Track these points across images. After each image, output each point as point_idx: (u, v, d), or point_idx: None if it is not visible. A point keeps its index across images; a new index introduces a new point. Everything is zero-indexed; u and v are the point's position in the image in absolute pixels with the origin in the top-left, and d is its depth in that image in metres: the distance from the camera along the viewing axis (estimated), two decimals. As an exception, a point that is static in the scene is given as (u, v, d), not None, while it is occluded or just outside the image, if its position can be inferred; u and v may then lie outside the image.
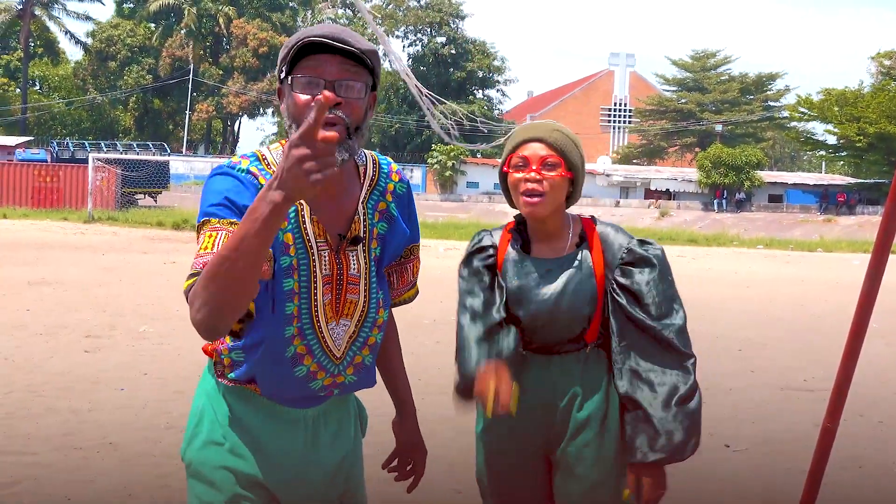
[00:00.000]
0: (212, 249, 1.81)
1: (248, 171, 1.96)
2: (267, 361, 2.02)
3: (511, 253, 2.53)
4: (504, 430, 2.52)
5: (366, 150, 2.15)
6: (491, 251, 2.55)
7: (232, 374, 2.06)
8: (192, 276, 1.81)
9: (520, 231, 2.56)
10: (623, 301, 2.41)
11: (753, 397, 7.09)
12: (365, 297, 2.09)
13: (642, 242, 2.48)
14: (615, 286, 2.43)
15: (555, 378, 2.47)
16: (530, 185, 2.40)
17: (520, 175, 2.43)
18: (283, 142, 1.95)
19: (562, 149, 2.42)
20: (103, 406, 6.06)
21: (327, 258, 2.03)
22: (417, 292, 2.33)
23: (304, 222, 2.00)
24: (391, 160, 2.22)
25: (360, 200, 2.09)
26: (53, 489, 4.45)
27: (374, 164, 2.16)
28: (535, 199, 2.40)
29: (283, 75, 1.96)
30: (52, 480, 4.57)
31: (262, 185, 1.93)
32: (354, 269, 2.06)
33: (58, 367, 7.25)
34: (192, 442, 2.11)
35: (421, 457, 2.40)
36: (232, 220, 1.86)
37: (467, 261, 2.58)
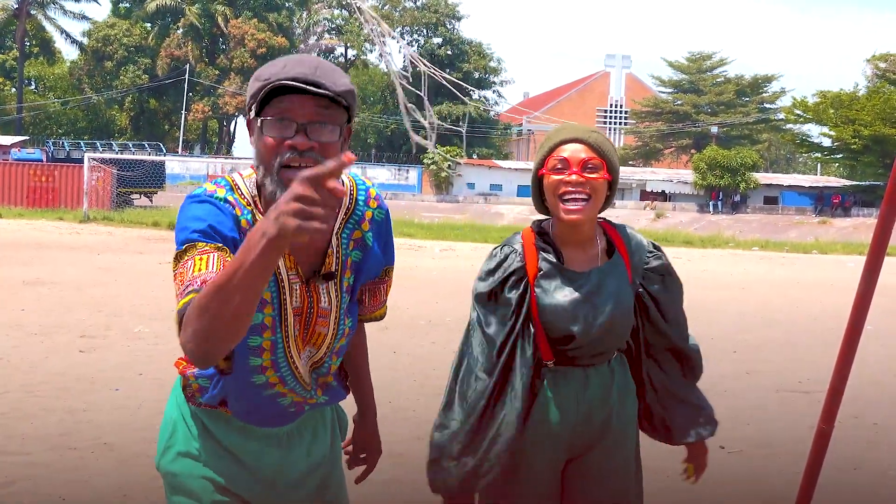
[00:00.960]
0: (206, 270, 1.74)
1: (226, 200, 1.88)
2: (236, 388, 2.00)
3: (545, 267, 2.36)
4: (536, 443, 2.39)
5: (344, 175, 2.03)
6: (521, 274, 2.36)
7: (202, 399, 2.05)
8: (188, 293, 1.71)
9: (546, 241, 2.40)
10: (650, 305, 2.44)
11: (749, 399, 7.10)
12: (333, 328, 2.05)
13: (658, 248, 2.50)
14: (643, 291, 2.43)
15: (593, 391, 2.40)
16: (572, 189, 2.27)
17: (559, 178, 2.29)
18: (255, 169, 1.89)
19: (603, 150, 2.31)
20: (99, 406, 6.05)
21: (298, 291, 1.96)
22: (386, 312, 2.27)
23: None
24: (370, 184, 2.12)
25: (335, 232, 2.00)
26: (49, 489, 4.45)
27: (351, 190, 2.06)
28: (579, 206, 2.27)
29: (253, 114, 1.86)
30: (48, 480, 4.56)
31: (238, 215, 1.87)
32: (325, 302, 2.00)
33: (53, 367, 7.24)
34: (165, 453, 2.11)
35: (374, 454, 2.41)
36: (218, 245, 1.79)
37: (495, 289, 2.36)
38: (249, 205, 1.90)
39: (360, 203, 2.05)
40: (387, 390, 5.86)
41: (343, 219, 2.02)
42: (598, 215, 2.42)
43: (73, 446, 5.15)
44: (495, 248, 2.44)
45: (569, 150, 2.30)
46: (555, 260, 2.36)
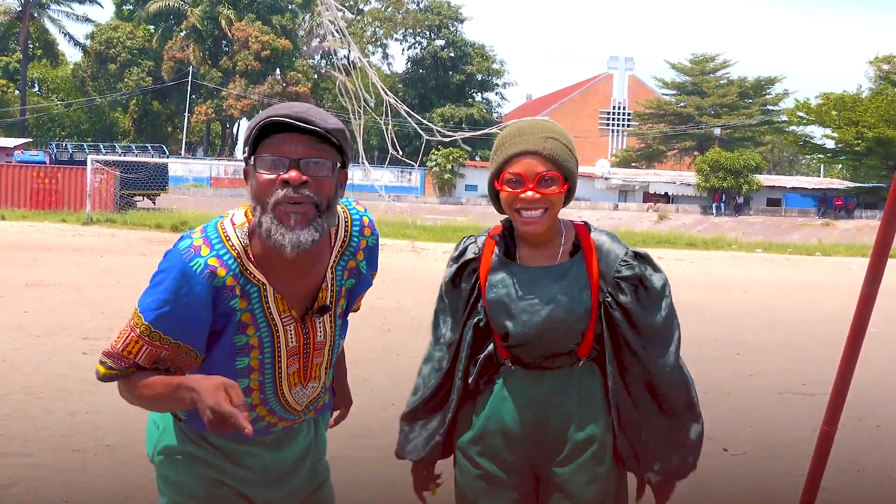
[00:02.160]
0: (133, 357, 1.93)
1: (206, 267, 1.90)
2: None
3: (494, 261, 2.34)
4: (491, 444, 2.35)
5: (338, 207, 2.08)
6: (475, 265, 2.36)
7: (187, 422, 2.10)
8: (108, 368, 1.97)
9: (505, 237, 2.37)
10: (618, 317, 2.28)
11: (752, 401, 7.09)
12: (328, 356, 2.12)
13: (639, 257, 2.33)
14: (610, 300, 2.28)
15: (546, 395, 2.31)
16: (527, 205, 2.22)
17: (514, 193, 2.23)
18: (250, 216, 1.95)
19: (557, 160, 2.22)
20: (101, 408, 6.05)
21: (293, 331, 2.01)
22: (359, 308, 2.35)
23: (267, 302, 1.97)
24: (363, 211, 2.16)
25: (329, 266, 2.04)
26: (51, 491, 4.45)
27: (346, 222, 2.10)
28: (535, 218, 2.22)
29: (247, 155, 1.91)
30: (50, 482, 4.56)
31: (218, 284, 1.90)
32: (320, 336, 2.07)
33: (55, 368, 7.24)
34: (157, 447, 2.16)
35: (345, 406, 2.53)
36: (157, 339, 1.91)
37: (452, 278, 2.40)
38: (239, 256, 1.94)
39: (355, 235, 2.12)
40: (388, 392, 5.82)
41: (339, 252, 2.07)
42: (571, 218, 2.42)
43: (74, 448, 5.15)
44: (462, 238, 2.47)
45: (522, 165, 2.22)
46: (503, 254, 2.34)
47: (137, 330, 1.92)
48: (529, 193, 2.21)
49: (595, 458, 2.32)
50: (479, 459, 2.37)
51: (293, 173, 1.84)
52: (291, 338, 2.01)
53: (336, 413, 2.50)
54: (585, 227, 2.37)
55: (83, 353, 7.96)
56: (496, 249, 2.36)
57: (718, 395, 7.14)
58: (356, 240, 2.11)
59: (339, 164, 1.93)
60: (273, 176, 1.85)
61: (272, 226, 1.85)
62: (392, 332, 9.47)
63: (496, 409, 2.34)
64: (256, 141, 1.88)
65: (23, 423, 5.61)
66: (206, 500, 2.09)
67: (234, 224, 1.97)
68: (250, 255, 1.95)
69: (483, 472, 2.37)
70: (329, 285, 2.04)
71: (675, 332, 2.33)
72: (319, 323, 2.05)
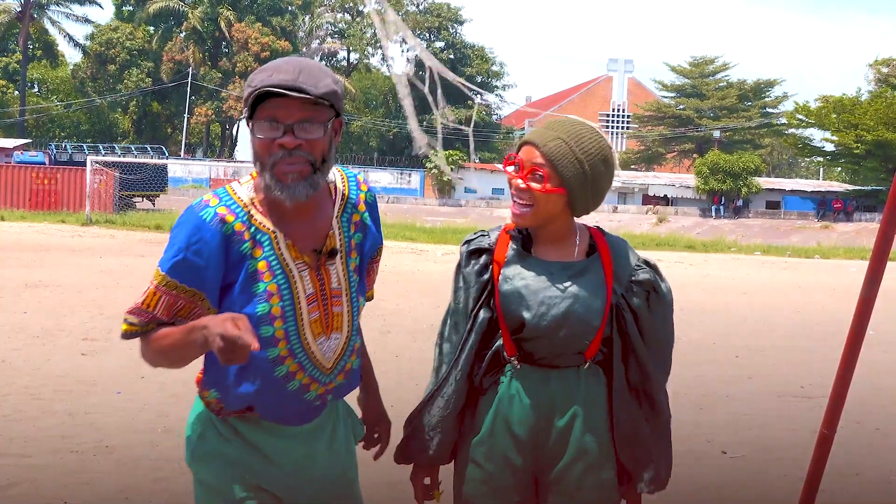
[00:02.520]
0: (152, 310, 2.05)
1: (216, 215, 2.04)
2: (261, 386, 2.11)
3: (511, 253, 2.34)
4: (499, 445, 2.33)
5: (333, 169, 2.22)
6: (488, 259, 2.36)
7: (226, 408, 2.16)
8: (130, 324, 2.08)
9: (521, 231, 2.37)
10: (628, 320, 2.30)
11: (751, 404, 7.10)
12: (348, 307, 2.19)
13: (650, 265, 2.37)
14: (623, 303, 2.31)
15: (553, 394, 2.30)
16: (516, 193, 2.27)
17: (510, 177, 2.29)
18: (255, 175, 2.10)
19: (553, 161, 2.22)
20: (100, 409, 6.05)
21: (308, 277, 2.11)
22: (374, 294, 2.41)
23: (279, 248, 2.08)
24: (354, 172, 2.30)
25: (335, 216, 2.17)
26: (50, 492, 4.45)
27: (342, 179, 2.24)
28: (521, 210, 2.26)
29: (245, 117, 2.05)
30: (49, 483, 4.57)
31: (228, 231, 2.04)
32: (335, 283, 2.16)
33: (55, 369, 7.24)
34: (195, 451, 2.21)
35: (385, 428, 2.51)
36: (178, 288, 2.03)
37: (465, 261, 2.40)
38: (246, 206, 2.08)
39: (353, 189, 2.24)
40: (389, 394, 5.80)
41: (340, 205, 2.19)
42: (584, 222, 2.40)
43: (74, 449, 5.15)
44: (474, 232, 2.48)
45: (525, 153, 2.27)
46: (520, 247, 2.34)
47: (155, 282, 2.05)
48: (519, 180, 2.26)
49: (597, 464, 2.31)
50: (486, 462, 2.34)
51: (287, 138, 1.98)
52: (308, 284, 2.11)
53: (375, 435, 2.49)
54: (599, 231, 2.39)
55: (82, 353, 7.96)
56: (511, 243, 2.36)
57: (718, 398, 7.14)
58: (354, 193, 2.23)
59: (332, 120, 2.05)
60: (269, 140, 1.99)
61: (271, 183, 2.01)
62: (391, 334, 9.48)
63: (503, 409, 2.32)
64: (255, 104, 2.01)
65: (22, 424, 5.61)
66: (239, 499, 2.14)
67: (239, 183, 2.14)
68: (257, 206, 2.09)
69: (488, 476, 2.34)
70: (336, 233, 2.16)
71: (672, 343, 2.41)
72: (333, 269, 2.15)
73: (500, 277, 2.33)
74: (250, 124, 2.02)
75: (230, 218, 2.04)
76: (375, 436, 2.49)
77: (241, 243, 2.05)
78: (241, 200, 2.08)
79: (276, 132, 1.98)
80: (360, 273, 2.24)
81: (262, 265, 2.06)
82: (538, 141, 2.24)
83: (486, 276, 2.35)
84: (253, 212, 2.07)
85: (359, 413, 2.46)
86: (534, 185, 2.23)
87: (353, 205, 2.22)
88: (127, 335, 2.09)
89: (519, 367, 2.32)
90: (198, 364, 2.20)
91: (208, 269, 2.03)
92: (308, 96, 1.95)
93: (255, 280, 2.06)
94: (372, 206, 2.28)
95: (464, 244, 2.42)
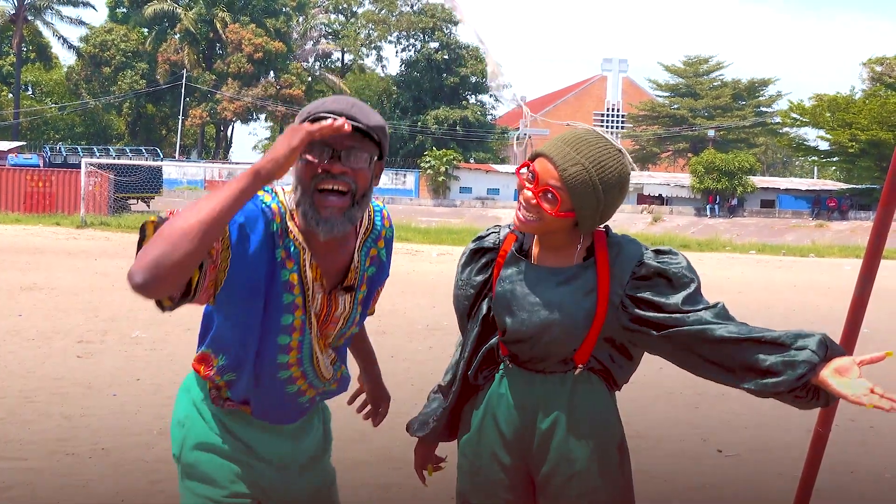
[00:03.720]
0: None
1: (269, 208, 2.13)
2: (263, 384, 2.20)
3: (510, 255, 2.34)
4: (488, 441, 2.35)
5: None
6: (493, 256, 2.37)
7: (229, 394, 2.23)
8: (158, 220, 1.91)
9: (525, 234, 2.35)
10: (640, 313, 2.19)
11: (745, 402, 7.10)
12: (338, 330, 2.29)
13: (658, 252, 2.25)
14: (628, 301, 2.20)
15: (537, 398, 2.28)
16: (524, 205, 2.21)
17: (523, 187, 2.22)
18: (294, 189, 2.14)
19: (570, 188, 2.14)
20: (96, 411, 6.05)
21: (320, 300, 2.19)
22: (374, 311, 2.50)
23: (304, 267, 2.15)
24: (382, 205, 2.37)
25: (356, 249, 2.24)
26: (46, 495, 4.45)
27: (368, 211, 2.30)
28: (527, 220, 2.21)
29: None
30: (45, 486, 4.56)
31: (274, 229, 2.11)
32: (340, 311, 2.25)
33: (50, 372, 7.23)
34: (184, 444, 2.26)
35: (386, 402, 2.75)
36: (223, 239, 2.01)
37: (471, 256, 2.41)
38: (288, 214, 2.16)
39: (377, 223, 2.32)
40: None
41: (363, 237, 2.26)
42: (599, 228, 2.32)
43: (70, 452, 5.15)
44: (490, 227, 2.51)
45: (541, 166, 2.19)
46: (517, 250, 2.34)
47: None
48: (530, 194, 2.19)
49: (585, 472, 2.25)
50: (475, 457, 2.37)
51: (334, 163, 2.05)
52: (318, 305, 2.20)
53: (381, 408, 2.73)
54: (604, 234, 2.31)
55: (78, 356, 7.95)
56: (514, 244, 2.36)
57: (712, 397, 7.16)
58: (378, 228, 2.32)
59: (376, 157, 2.13)
60: (316, 161, 2.05)
61: (308, 209, 2.07)
62: (387, 335, 9.47)
63: (492, 406, 2.35)
64: None
65: (18, 427, 5.60)
66: (229, 493, 2.20)
67: (284, 191, 2.19)
68: (294, 218, 2.15)
69: (475, 469, 2.37)
70: (356, 267, 2.24)
71: (696, 285, 2.27)
72: (342, 300, 2.24)
73: (498, 279, 2.34)
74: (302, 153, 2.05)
75: (277, 219, 2.12)
76: (380, 410, 2.73)
77: (276, 246, 2.11)
78: (285, 205, 2.14)
79: (324, 156, 2.04)
80: (365, 306, 2.33)
81: (293, 277, 2.13)
82: (559, 161, 2.16)
83: (486, 275, 2.38)
84: (289, 222, 2.14)
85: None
86: (545, 205, 2.17)
87: (374, 239, 2.30)
88: (155, 224, 1.92)
89: (510, 366, 2.33)
90: (192, 363, 2.22)
91: (250, 248, 2.05)
92: (359, 125, 2.03)
93: (285, 290, 2.13)
94: (389, 242, 2.36)
95: (473, 241, 2.46)
